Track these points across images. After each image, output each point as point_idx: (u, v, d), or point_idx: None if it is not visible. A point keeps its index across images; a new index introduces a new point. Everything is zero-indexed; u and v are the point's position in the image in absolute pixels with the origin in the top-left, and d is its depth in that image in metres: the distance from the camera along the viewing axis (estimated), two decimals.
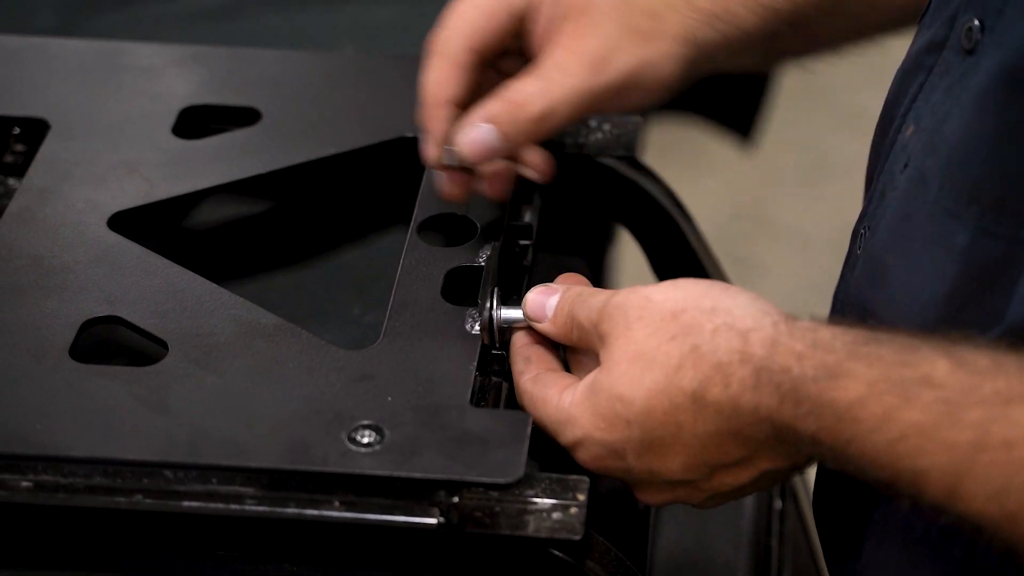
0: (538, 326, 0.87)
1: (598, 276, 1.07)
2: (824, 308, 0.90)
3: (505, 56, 0.96)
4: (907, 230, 0.82)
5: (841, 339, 0.77)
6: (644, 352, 0.81)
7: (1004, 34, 0.78)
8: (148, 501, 0.81)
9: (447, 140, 0.93)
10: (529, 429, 0.83)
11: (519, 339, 0.89)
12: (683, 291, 0.82)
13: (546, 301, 0.87)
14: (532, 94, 0.92)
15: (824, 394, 0.76)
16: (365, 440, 0.82)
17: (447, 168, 0.93)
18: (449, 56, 0.94)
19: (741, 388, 0.78)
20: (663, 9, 0.95)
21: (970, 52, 0.82)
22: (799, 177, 2.52)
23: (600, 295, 0.85)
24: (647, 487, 0.84)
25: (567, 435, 0.83)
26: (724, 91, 1.91)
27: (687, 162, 2.41)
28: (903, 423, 0.74)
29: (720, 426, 0.79)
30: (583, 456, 0.83)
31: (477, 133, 0.91)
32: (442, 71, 0.94)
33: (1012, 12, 0.78)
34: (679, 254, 1.10)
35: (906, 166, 0.85)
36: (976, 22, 0.81)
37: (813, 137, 2.61)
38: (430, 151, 0.93)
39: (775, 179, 2.51)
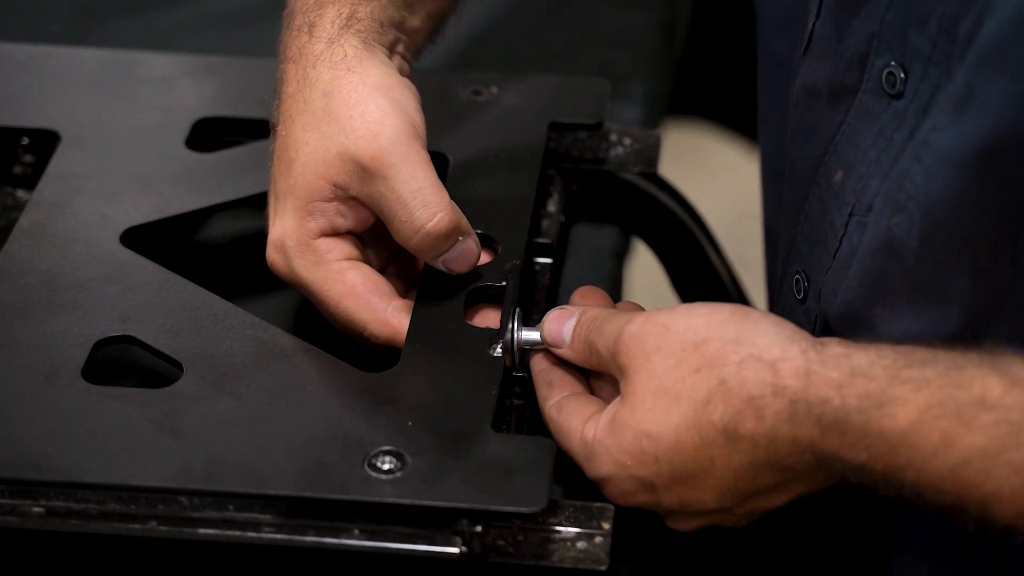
0: (558, 351, 0.86)
1: (615, 290, 1.05)
2: None
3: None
4: (888, 284, 0.81)
5: (879, 364, 0.75)
6: (668, 387, 0.79)
7: (977, 92, 0.75)
8: (163, 528, 0.79)
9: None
10: (553, 457, 0.81)
11: (539, 362, 0.87)
12: (703, 318, 0.80)
13: (563, 327, 0.85)
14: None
15: (872, 424, 0.74)
16: (386, 467, 0.80)
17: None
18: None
19: (777, 421, 0.76)
20: None
21: (896, 97, 0.81)
22: None
23: (615, 321, 0.83)
24: (678, 516, 0.83)
25: (593, 470, 0.82)
26: (734, 95, 1.89)
27: (694, 162, 2.39)
28: (964, 448, 0.72)
29: (756, 458, 0.77)
30: (612, 491, 0.82)
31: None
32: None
33: (979, 71, 0.75)
34: (700, 271, 1.09)
35: (851, 215, 0.84)
36: (893, 63, 0.80)
37: None
38: None
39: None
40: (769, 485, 0.79)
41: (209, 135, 1.02)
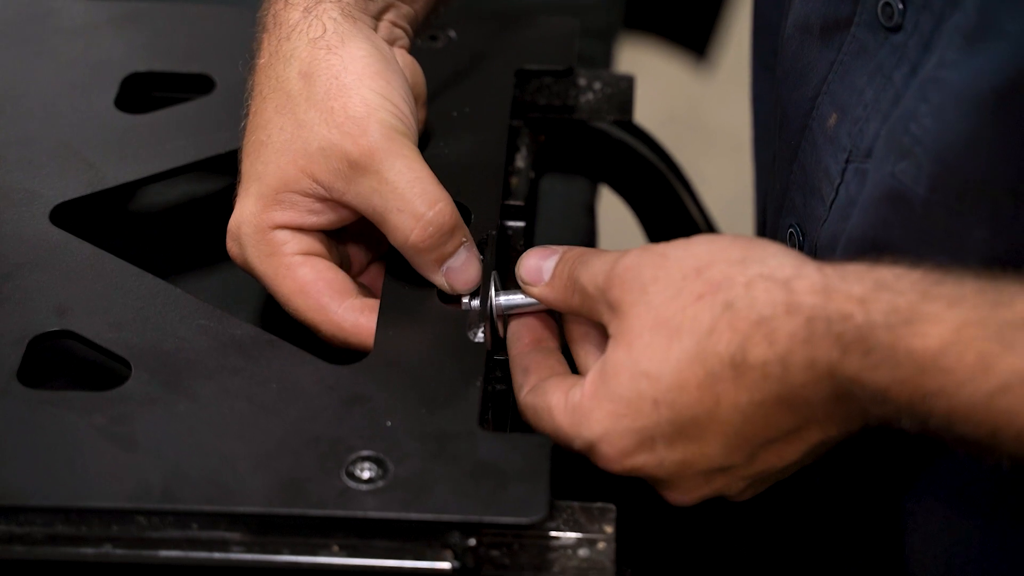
0: (533, 290, 0.78)
1: (590, 246, 0.97)
2: None
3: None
4: (893, 236, 0.74)
5: (907, 278, 0.68)
6: (667, 318, 0.71)
7: (994, 23, 0.69)
8: (119, 551, 0.71)
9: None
10: (549, 457, 0.73)
11: (515, 345, 0.79)
12: (704, 245, 0.73)
13: (543, 263, 0.78)
14: None
15: (900, 342, 0.66)
16: (366, 475, 0.72)
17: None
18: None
19: (791, 343, 0.68)
20: None
21: (893, 30, 0.74)
22: (732, 78, 2.44)
23: (606, 255, 0.75)
24: (679, 483, 0.74)
25: (584, 435, 0.73)
26: (679, 9, 1.82)
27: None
28: (1004, 372, 0.65)
29: (767, 393, 0.69)
30: (607, 452, 0.73)
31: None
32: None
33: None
34: (676, 221, 1.01)
35: (848, 162, 0.77)
36: None
37: (746, 36, 2.51)
38: None
39: (707, 80, 2.43)
40: (781, 430, 0.71)
41: (141, 93, 0.93)
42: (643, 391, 0.71)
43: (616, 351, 0.72)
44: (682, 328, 0.71)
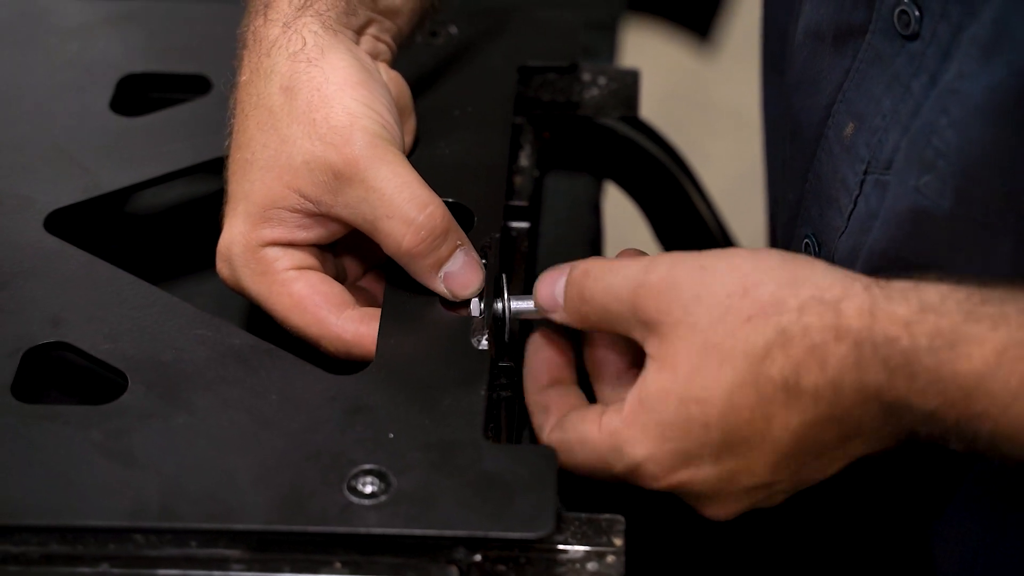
0: (555, 317, 0.75)
1: (596, 247, 0.95)
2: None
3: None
4: (918, 250, 0.73)
5: (952, 298, 0.67)
6: (717, 343, 0.69)
7: (1008, 32, 0.67)
8: (116, 571, 0.70)
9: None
10: (556, 469, 0.71)
11: (533, 383, 0.77)
12: (749, 262, 0.71)
13: (554, 289, 0.75)
14: None
15: (944, 366, 0.66)
16: (368, 490, 0.70)
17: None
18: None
19: (841, 367, 0.68)
20: None
21: (910, 38, 0.73)
22: (736, 54, 2.42)
23: (622, 268, 0.72)
24: (720, 497, 0.72)
25: (627, 456, 0.71)
26: None
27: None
28: None
29: (819, 413, 0.69)
30: (653, 471, 0.71)
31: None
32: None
33: (1009, 7, 0.67)
34: (684, 219, 0.99)
35: (867, 172, 0.76)
36: (907, 0, 0.73)
37: (750, 11, 2.49)
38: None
39: (711, 56, 2.41)
40: (828, 445, 0.70)
41: (137, 94, 0.91)
42: (693, 415, 0.70)
43: (660, 374, 0.71)
44: (734, 352, 0.69)
